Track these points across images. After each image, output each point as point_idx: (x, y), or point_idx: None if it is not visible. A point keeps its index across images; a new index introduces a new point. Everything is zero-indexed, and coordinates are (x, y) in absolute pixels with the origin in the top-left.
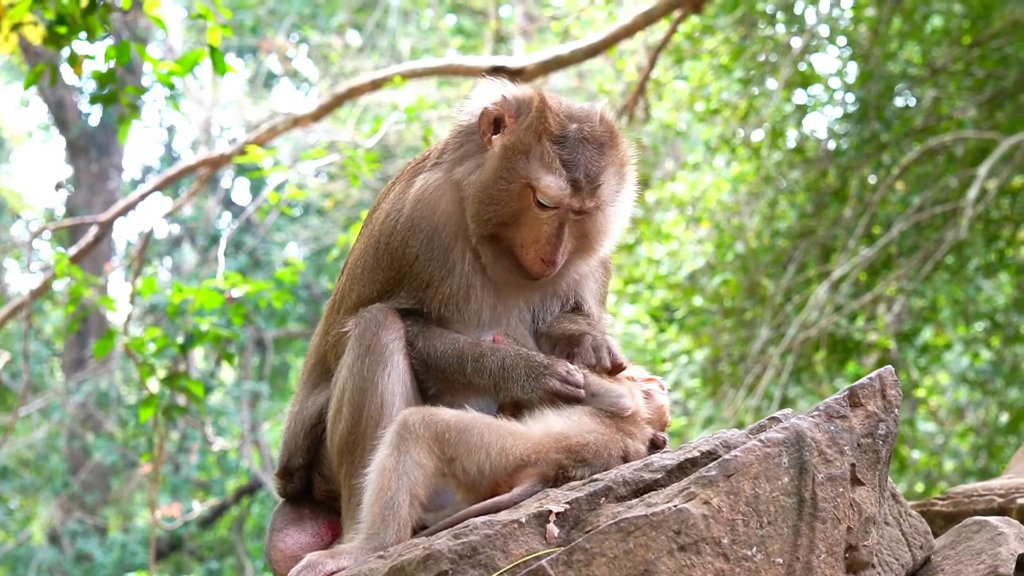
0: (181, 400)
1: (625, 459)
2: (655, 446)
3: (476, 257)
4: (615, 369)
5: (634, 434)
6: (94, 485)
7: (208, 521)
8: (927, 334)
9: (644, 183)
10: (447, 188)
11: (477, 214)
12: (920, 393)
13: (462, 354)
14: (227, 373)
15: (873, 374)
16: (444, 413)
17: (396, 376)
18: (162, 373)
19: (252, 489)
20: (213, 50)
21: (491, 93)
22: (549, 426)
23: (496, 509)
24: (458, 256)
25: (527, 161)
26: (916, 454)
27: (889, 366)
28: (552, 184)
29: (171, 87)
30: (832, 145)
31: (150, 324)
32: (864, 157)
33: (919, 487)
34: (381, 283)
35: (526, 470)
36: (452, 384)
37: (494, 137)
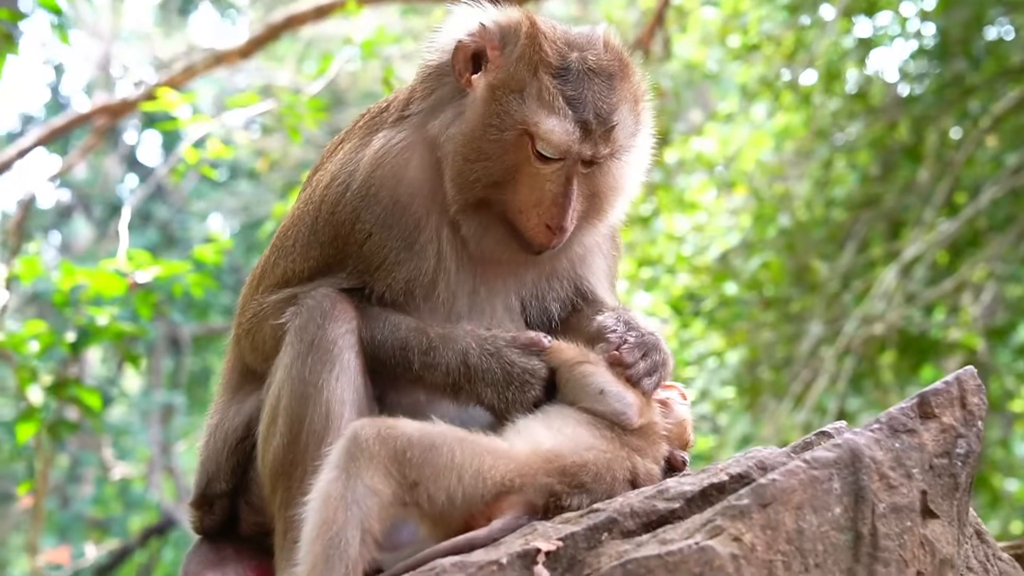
0: (72, 414)
1: (633, 484)
2: (672, 468)
3: (454, 232)
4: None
5: (645, 452)
6: None
7: (106, 569)
8: None
9: (663, 138)
10: (417, 148)
11: (460, 175)
12: (1017, 406)
13: (406, 345)
14: (132, 380)
15: (950, 377)
16: (405, 426)
17: (346, 380)
18: (47, 379)
19: (163, 528)
20: None
21: (466, 21)
22: (537, 442)
23: (470, 547)
24: (431, 235)
25: (522, 101)
26: (1012, 484)
27: (971, 367)
28: (557, 128)
29: (57, 12)
30: (904, 90)
31: (32, 316)
32: (945, 105)
33: (1016, 526)
34: (317, 259)
35: (508, 498)
36: (401, 383)
37: (474, 77)
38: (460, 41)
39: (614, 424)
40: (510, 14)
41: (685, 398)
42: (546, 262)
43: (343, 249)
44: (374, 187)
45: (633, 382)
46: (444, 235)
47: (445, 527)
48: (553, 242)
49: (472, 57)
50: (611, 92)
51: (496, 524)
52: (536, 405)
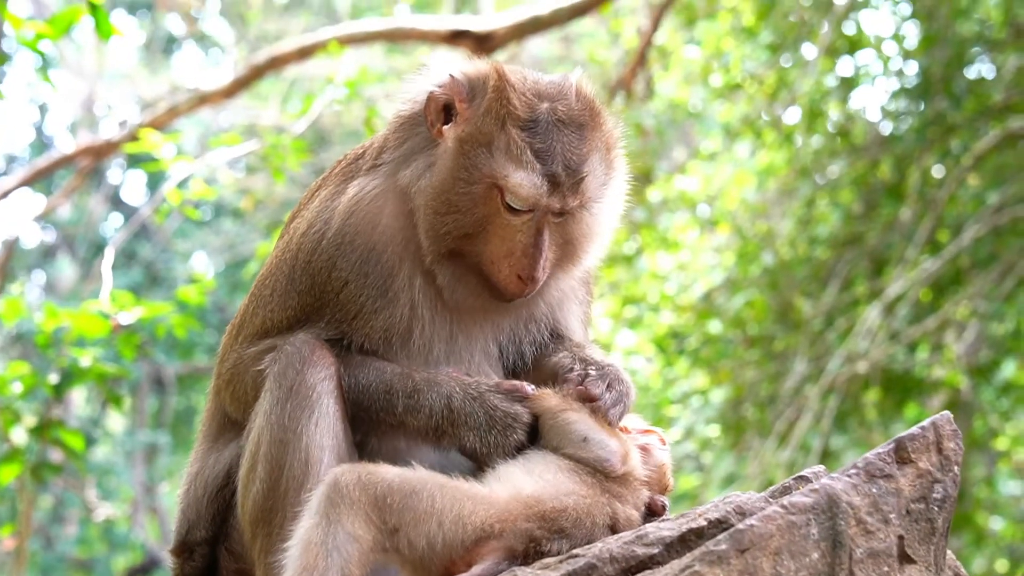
0: (55, 456)
1: (613, 529)
2: (652, 513)
3: (429, 282)
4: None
5: (625, 497)
6: None
7: None
8: (1009, 369)
9: (647, 177)
10: (390, 197)
11: (432, 227)
12: (1001, 444)
13: (390, 389)
14: (116, 421)
15: (926, 422)
16: (385, 472)
17: (325, 425)
18: (30, 421)
19: (147, 568)
20: (94, 7)
21: (436, 73)
22: (517, 487)
23: None
24: (404, 283)
25: (490, 155)
26: (997, 523)
27: (947, 412)
28: (524, 181)
29: (41, 55)
30: (886, 128)
31: (15, 358)
32: (927, 143)
33: (1001, 564)
34: (295, 309)
35: (488, 543)
36: (382, 428)
37: (445, 128)
38: (432, 92)
39: (596, 470)
40: (479, 66)
41: (664, 443)
42: (523, 308)
43: (320, 297)
44: (349, 235)
45: (600, 414)
46: (418, 283)
47: (425, 573)
48: (525, 291)
49: (443, 108)
50: (581, 142)
51: (476, 570)
52: (519, 451)
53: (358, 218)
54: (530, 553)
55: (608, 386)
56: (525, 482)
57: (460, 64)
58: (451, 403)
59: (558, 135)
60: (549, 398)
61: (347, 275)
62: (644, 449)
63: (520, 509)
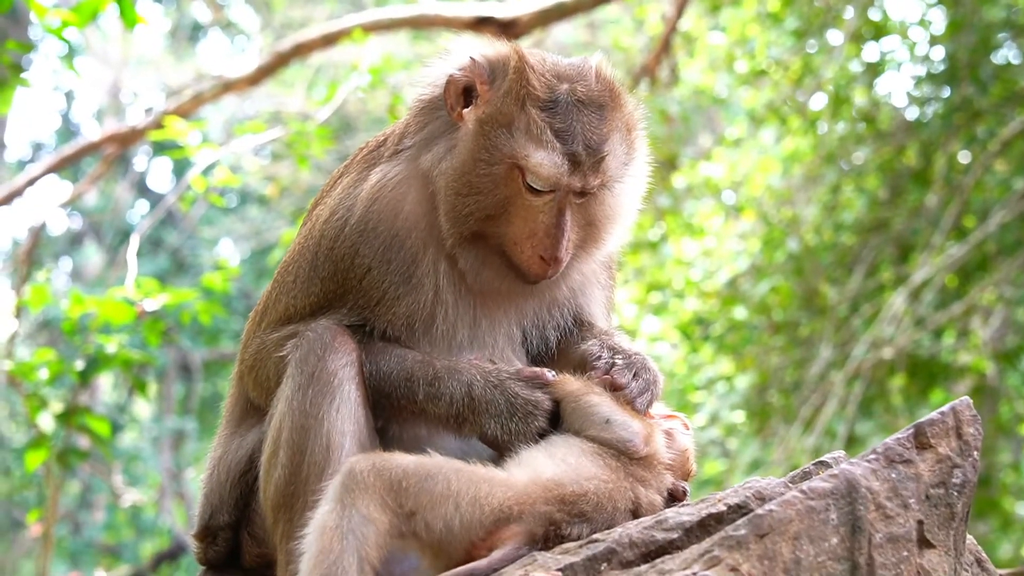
0: (82, 442)
1: (635, 514)
2: (673, 498)
3: (452, 265)
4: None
5: (648, 482)
6: None
7: None
8: None
9: (672, 163)
10: (412, 182)
11: (454, 209)
12: None
13: (411, 376)
14: (142, 407)
15: (945, 407)
16: (400, 458)
17: (346, 411)
18: (57, 407)
19: (175, 554)
20: None
21: (456, 56)
22: (537, 471)
23: (485, 572)
24: (428, 269)
25: (510, 135)
26: (1023, 508)
27: (967, 397)
28: (545, 161)
29: (66, 43)
30: (912, 114)
31: (41, 344)
32: (953, 129)
33: None
34: (318, 295)
35: (508, 527)
36: (403, 415)
37: (465, 111)
38: (452, 75)
39: (619, 454)
40: (499, 48)
41: (688, 428)
42: (546, 292)
43: (343, 284)
44: (372, 222)
45: (628, 402)
46: (442, 268)
47: (445, 557)
48: (549, 273)
49: (463, 91)
50: (601, 122)
51: (496, 554)
52: (540, 437)
53: (381, 205)
54: (550, 537)
55: (635, 375)
56: (546, 465)
57: (480, 47)
58: (472, 391)
59: (578, 115)
60: (571, 383)
61: (370, 261)
62: (667, 434)
63: (540, 492)
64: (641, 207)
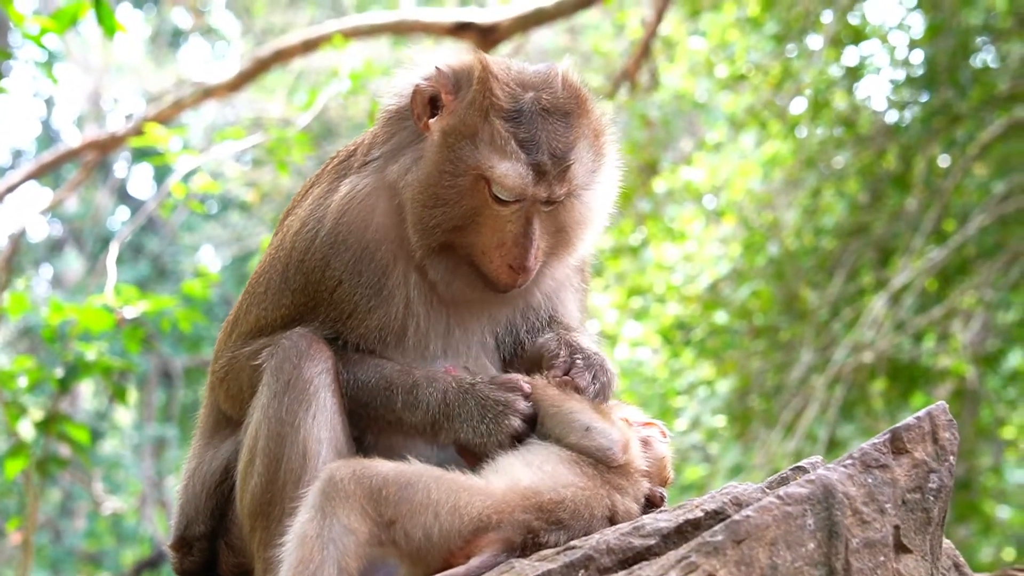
0: (62, 450)
1: (612, 521)
2: (651, 504)
3: (422, 277)
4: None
5: (625, 489)
6: None
7: None
8: (1015, 358)
9: (652, 168)
10: (380, 194)
11: (421, 221)
12: (1008, 433)
13: (390, 384)
14: (123, 414)
15: (922, 412)
16: (380, 466)
17: (323, 419)
18: (37, 415)
19: (155, 561)
20: (98, 3)
21: (423, 66)
22: (515, 479)
23: None
24: (398, 281)
25: (474, 147)
26: (1004, 511)
27: (943, 402)
28: (510, 172)
29: (45, 49)
30: (892, 118)
31: (21, 352)
32: (933, 133)
33: (1008, 553)
34: (289, 308)
35: (486, 535)
36: (380, 424)
37: (431, 121)
38: (417, 85)
39: (596, 462)
40: (463, 58)
41: (665, 435)
42: (519, 298)
43: (314, 297)
44: (342, 234)
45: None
46: (412, 280)
47: (424, 566)
48: (518, 282)
49: (429, 101)
50: (567, 130)
51: (474, 562)
52: (516, 440)
53: (351, 216)
54: (528, 545)
55: (594, 376)
56: (523, 473)
57: (446, 56)
58: (446, 397)
59: (543, 124)
60: (548, 388)
61: (340, 274)
62: (645, 442)
63: (517, 500)
64: (613, 211)
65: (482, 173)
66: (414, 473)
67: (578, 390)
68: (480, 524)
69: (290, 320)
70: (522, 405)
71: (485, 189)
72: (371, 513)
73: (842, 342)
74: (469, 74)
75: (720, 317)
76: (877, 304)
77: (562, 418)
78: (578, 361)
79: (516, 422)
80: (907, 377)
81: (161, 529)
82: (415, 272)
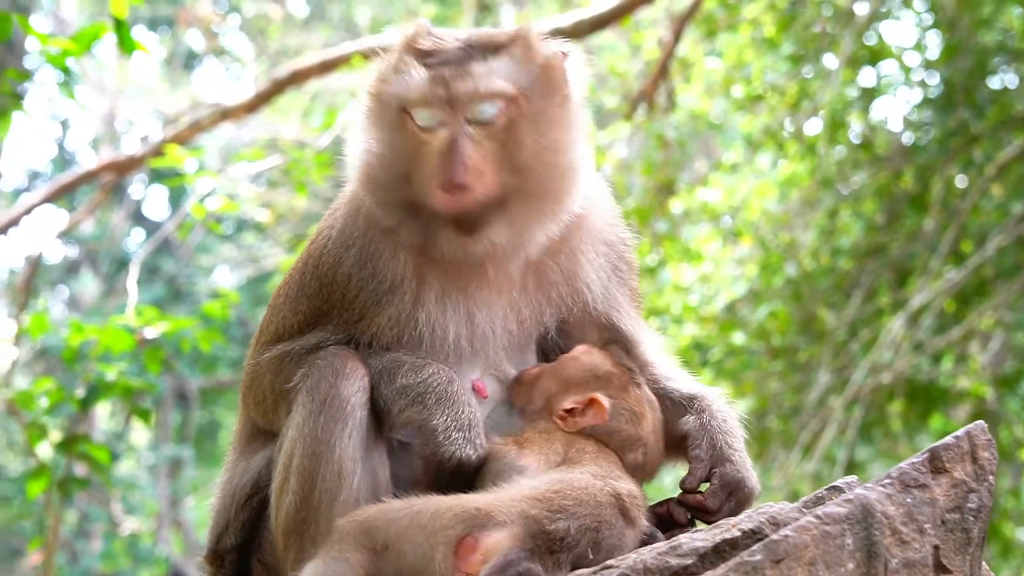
0: (80, 470)
1: (621, 507)
2: (676, 524)
3: (422, 262)
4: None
5: (615, 475)
6: None
7: None
8: None
9: (669, 189)
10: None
11: (374, 186)
12: None
13: (391, 364)
14: (139, 435)
15: (960, 432)
16: (376, 506)
17: (358, 437)
18: (56, 436)
19: None
20: (118, 23)
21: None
22: (502, 488)
23: None
24: (400, 273)
25: (390, 86)
26: None
27: (981, 422)
28: (413, 84)
29: (65, 70)
30: (908, 139)
31: (40, 373)
32: (950, 153)
33: None
34: (305, 313)
35: (491, 535)
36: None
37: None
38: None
39: (572, 466)
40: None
41: (604, 413)
42: (540, 275)
43: (328, 300)
44: (348, 233)
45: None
46: (412, 267)
47: None
48: (458, 203)
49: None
50: (486, 55)
51: (485, 570)
52: (463, 468)
53: (350, 217)
54: (540, 543)
55: (729, 496)
56: (507, 486)
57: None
58: (451, 387)
59: (458, 53)
60: (504, 446)
61: (349, 270)
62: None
63: (510, 495)
64: (585, 161)
65: (398, 103)
66: (402, 502)
67: (705, 511)
68: (467, 517)
69: (306, 325)
70: (483, 450)
71: (408, 120)
72: (364, 543)
73: (860, 363)
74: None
75: (737, 338)
76: (895, 325)
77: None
78: (715, 480)
79: (473, 454)
80: (925, 398)
81: (177, 550)
82: (414, 259)
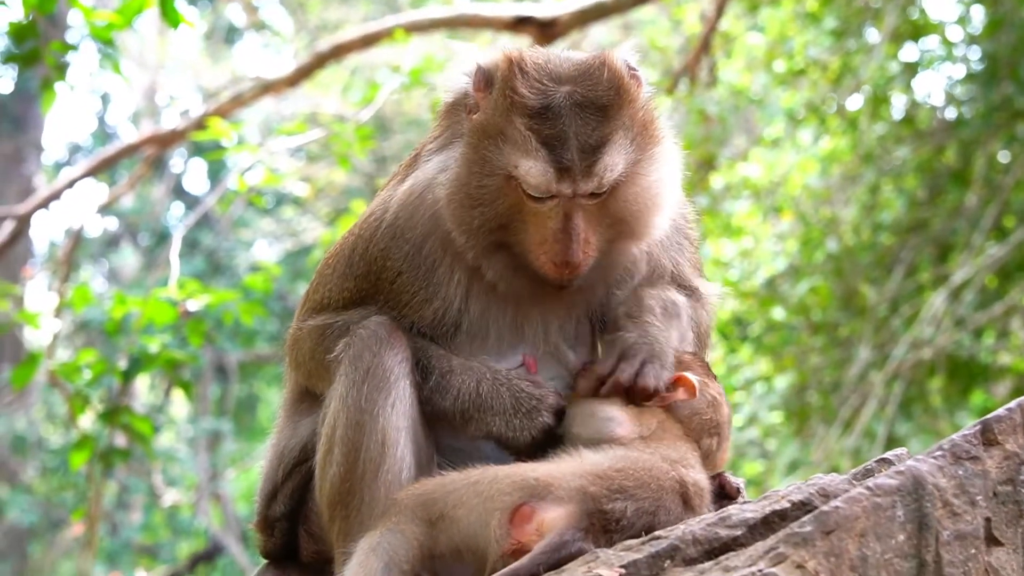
0: (120, 441)
1: (683, 495)
2: (726, 494)
3: (475, 277)
4: (640, 394)
5: (686, 462)
6: (8, 552)
7: None
8: None
9: (709, 164)
10: (427, 192)
11: (463, 222)
12: None
13: (428, 365)
14: (178, 408)
15: (1012, 404)
16: (435, 479)
17: (402, 407)
18: (99, 408)
19: (211, 555)
20: None
21: (467, 62)
22: (582, 458)
23: (529, 571)
24: (445, 278)
25: (499, 146)
26: None
27: None
28: (532, 170)
29: (109, 43)
30: (951, 114)
31: (80, 344)
32: (993, 128)
33: None
34: (352, 291)
35: (548, 510)
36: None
37: (472, 117)
38: (463, 81)
39: (646, 443)
40: (495, 56)
41: (694, 390)
42: (588, 289)
43: (376, 284)
44: (400, 228)
45: (621, 390)
46: (458, 278)
47: (482, 556)
48: (567, 277)
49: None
50: (600, 123)
51: (542, 544)
52: (548, 434)
53: (407, 211)
54: (596, 523)
55: (621, 358)
56: (571, 457)
57: (484, 53)
58: (479, 388)
59: (572, 119)
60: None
61: (400, 265)
62: (681, 391)
63: (570, 469)
64: (677, 192)
65: (509, 172)
66: (461, 473)
67: (601, 379)
68: (525, 487)
69: (351, 303)
70: (553, 400)
71: (518, 187)
72: (421, 515)
73: (901, 339)
74: (497, 72)
75: (778, 313)
76: (936, 300)
77: (572, 413)
78: (625, 360)
79: (548, 418)
80: (966, 374)
81: (216, 522)
82: (461, 269)
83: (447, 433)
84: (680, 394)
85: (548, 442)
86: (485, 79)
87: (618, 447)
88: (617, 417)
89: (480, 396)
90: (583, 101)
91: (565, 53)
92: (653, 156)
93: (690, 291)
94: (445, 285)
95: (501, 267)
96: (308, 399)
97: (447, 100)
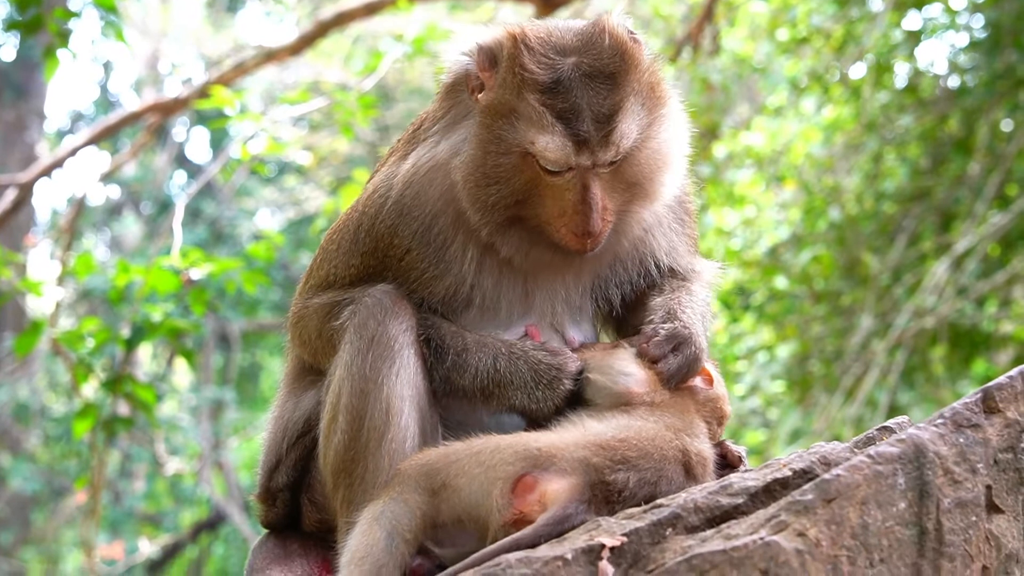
0: (123, 410)
1: (686, 465)
2: (728, 463)
3: (487, 253)
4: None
5: (691, 431)
6: (10, 520)
7: (158, 564)
8: None
9: (712, 132)
10: (436, 171)
11: (479, 200)
12: None
13: (442, 345)
14: (181, 377)
15: (1014, 372)
16: (438, 449)
17: (406, 376)
18: (102, 376)
19: (214, 523)
20: None
21: (468, 40)
22: (567, 430)
23: (532, 542)
24: (457, 255)
25: (513, 124)
26: None
27: None
28: (550, 145)
29: (112, 9)
30: (955, 82)
31: (82, 312)
32: (996, 97)
33: None
34: (358, 268)
35: (551, 481)
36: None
37: (480, 96)
38: (464, 61)
39: (653, 408)
40: (496, 33)
41: (712, 380)
42: (606, 252)
43: (383, 261)
44: (407, 205)
45: (663, 378)
46: (471, 254)
47: (484, 524)
48: (588, 246)
49: (476, 77)
50: (611, 92)
51: (546, 515)
52: (569, 403)
53: (413, 190)
54: (600, 494)
55: (675, 348)
56: (574, 426)
57: (485, 31)
58: (496, 363)
59: (583, 91)
60: (592, 349)
61: (408, 243)
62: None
63: (573, 438)
64: (688, 150)
65: (525, 149)
66: (464, 443)
67: (653, 360)
68: (528, 456)
69: (358, 279)
70: (573, 367)
71: (534, 162)
72: (424, 484)
73: (903, 307)
74: (501, 50)
75: (780, 282)
76: (939, 269)
77: (589, 371)
78: (662, 331)
79: (569, 383)
80: (968, 343)
81: (219, 491)
82: (475, 246)
83: (466, 410)
84: (699, 382)
85: (570, 404)
86: (488, 58)
87: (621, 415)
88: (636, 375)
89: (499, 372)
90: (591, 71)
91: (564, 23)
92: (662, 117)
93: (691, 273)
94: (458, 262)
95: (516, 241)
96: (309, 374)
97: (446, 80)
